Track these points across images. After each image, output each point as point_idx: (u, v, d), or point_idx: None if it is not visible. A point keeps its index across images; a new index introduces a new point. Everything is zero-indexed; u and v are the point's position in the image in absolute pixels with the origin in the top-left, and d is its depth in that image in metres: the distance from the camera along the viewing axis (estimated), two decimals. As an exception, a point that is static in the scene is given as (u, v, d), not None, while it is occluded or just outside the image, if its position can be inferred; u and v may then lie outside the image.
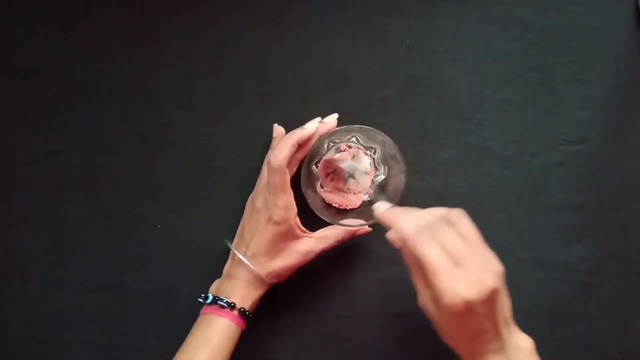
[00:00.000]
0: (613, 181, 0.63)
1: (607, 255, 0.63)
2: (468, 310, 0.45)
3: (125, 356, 0.62)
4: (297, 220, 0.56)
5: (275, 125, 0.61)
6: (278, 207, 0.55)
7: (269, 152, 0.59)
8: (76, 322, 0.62)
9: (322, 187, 0.61)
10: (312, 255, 0.57)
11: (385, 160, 0.60)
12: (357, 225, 0.58)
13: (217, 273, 0.60)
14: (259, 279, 0.57)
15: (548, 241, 0.63)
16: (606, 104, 0.63)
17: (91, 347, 0.62)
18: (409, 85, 0.63)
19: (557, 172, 0.63)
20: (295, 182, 0.57)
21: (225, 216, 0.62)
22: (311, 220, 0.58)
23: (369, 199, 0.61)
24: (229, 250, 0.59)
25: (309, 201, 0.57)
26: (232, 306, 0.55)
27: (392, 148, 0.58)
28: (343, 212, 0.60)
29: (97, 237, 0.62)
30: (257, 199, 0.57)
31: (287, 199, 0.55)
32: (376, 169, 0.61)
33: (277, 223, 0.55)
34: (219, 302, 0.56)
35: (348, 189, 0.61)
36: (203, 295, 0.57)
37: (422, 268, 0.46)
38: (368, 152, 0.60)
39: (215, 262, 0.60)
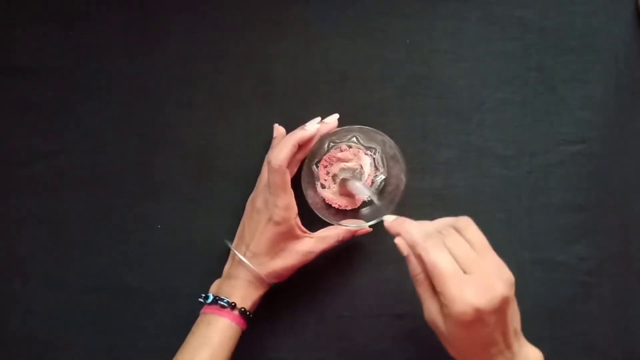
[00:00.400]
0: (613, 181, 0.63)
1: (607, 255, 0.63)
2: (478, 319, 0.44)
3: (125, 356, 0.62)
4: (298, 220, 0.56)
5: (276, 125, 0.61)
6: (278, 207, 0.54)
7: (269, 152, 0.59)
8: (76, 322, 0.62)
9: (322, 187, 0.61)
10: (312, 255, 0.57)
11: (385, 160, 0.60)
12: (357, 225, 0.58)
13: (217, 273, 0.60)
14: (259, 279, 0.57)
15: (548, 241, 0.63)
16: (606, 104, 0.63)
17: (91, 347, 0.62)
18: (409, 85, 0.63)
19: (557, 172, 0.63)
20: (296, 182, 0.57)
21: (225, 216, 0.62)
22: (311, 220, 0.58)
23: (369, 199, 0.61)
24: (229, 250, 0.59)
25: (309, 201, 0.57)
26: (232, 306, 0.55)
27: (392, 148, 0.58)
28: (343, 212, 0.60)
29: (97, 237, 0.62)
30: (258, 199, 0.57)
31: (288, 199, 0.55)
32: (376, 169, 0.61)
33: (278, 223, 0.55)
34: (219, 302, 0.56)
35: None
36: (203, 295, 0.57)
37: (429, 276, 0.45)
38: (368, 152, 0.61)
39: (215, 262, 0.60)
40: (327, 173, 0.61)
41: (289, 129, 0.59)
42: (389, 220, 0.51)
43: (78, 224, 0.62)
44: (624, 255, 0.63)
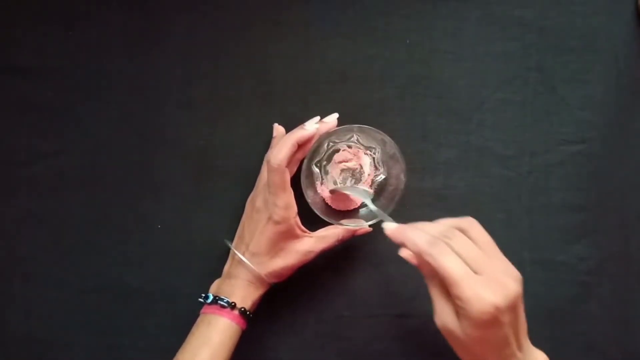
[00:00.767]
0: (613, 181, 0.63)
1: (607, 255, 0.63)
2: (496, 318, 0.43)
3: (125, 356, 0.62)
4: (297, 219, 0.56)
5: (276, 125, 0.61)
6: (278, 207, 0.54)
7: (269, 151, 0.59)
8: (76, 322, 0.62)
9: (322, 185, 0.61)
10: (312, 255, 0.57)
11: (385, 160, 0.60)
12: (357, 225, 0.58)
13: (217, 273, 0.60)
14: (259, 279, 0.57)
15: (548, 241, 0.63)
16: (606, 104, 0.63)
17: (91, 347, 0.62)
18: (409, 85, 0.63)
19: (557, 172, 0.63)
20: (295, 182, 0.57)
21: (225, 216, 0.62)
22: (311, 220, 0.58)
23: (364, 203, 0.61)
24: (229, 250, 0.59)
25: (309, 201, 0.57)
26: (232, 306, 0.55)
27: (392, 148, 0.58)
28: (343, 212, 0.60)
29: (97, 237, 0.62)
30: (257, 199, 0.57)
31: (287, 199, 0.55)
32: (376, 168, 0.61)
33: (277, 222, 0.55)
34: (219, 301, 0.56)
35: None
36: (203, 295, 0.57)
37: (441, 281, 0.45)
38: (368, 151, 0.61)
39: (215, 262, 0.60)
40: (327, 173, 0.61)
41: (288, 129, 0.59)
42: (390, 228, 0.50)
43: (78, 224, 0.62)
44: (624, 255, 0.63)
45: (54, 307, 0.62)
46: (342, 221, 0.58)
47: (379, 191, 0.61)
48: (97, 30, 0.62)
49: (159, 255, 0.62)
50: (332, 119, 0.58)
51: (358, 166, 0.60)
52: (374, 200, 0.61)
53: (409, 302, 0.62)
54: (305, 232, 0.57)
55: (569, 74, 0.63)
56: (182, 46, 0.62)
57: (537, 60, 0.63)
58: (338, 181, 0.61)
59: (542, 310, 0.62)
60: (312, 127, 0.56)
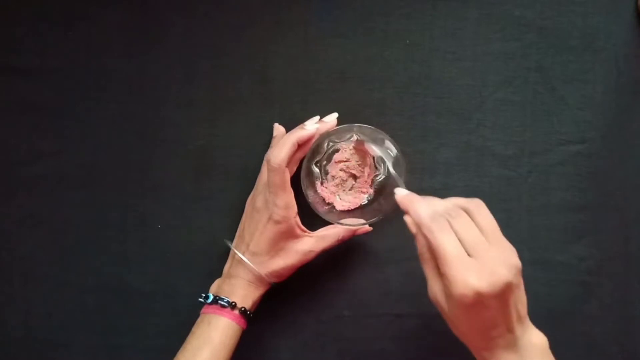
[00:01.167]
0: (613, 181, 0.63)
1: (607, 255, 0.63)
2: (478, 302, 0.44)
3: (125, 356, 0.62)
4: (298, 219, 0.56)
5: (276, 125, 0.61)
6: (278, 207, 0.54)
7: (269, 151, 0.59)
8: (76, 322, 0.62)
9: (322, 185, 0.61)
10: (312, 254, 0.57)
11: (385, 159, 0.60)
12: (357, 224, 0.58)
13: (217, 273, 0.60)
14: (259, 279, 0.57)
15: (548, 241, 0.63)
16: (606, 104, 0.63)
17: (91, 347, 0.62)
18: (409, 85, 0.63)
19: (557, 172, 0.63)
20: (296, 181, 0.57)
21: (225, 216, 0.62)
22: (311, 219, 0.58)
23: (369, 198, 0.61)
24: (229, 249, 0.59)
25: (309, 200, 0.57)
26: (233, 305, 0.55)
27: (392, 147, 0.58)
28: (343, 212, 0.60)
29: (97, 237, 0.62)
30: (257, 199, 0.57)
31: (287, 198, 0.55)
32: (376, 168, 0.61)
33: (278, 222, 0.55)
34: (219, 301, 0.56)
35: (350, 188, 0.61)
36: (204, 294, 0.57)
37: (435, 256, 0.46)
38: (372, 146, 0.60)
39: (215, 262, 0.60)
40: (327, 172, 0.61)
41: (288, 129, 0.59)
42: (400, 194, 0.51)
43: (78, 224, 0.62)
44: (624, 255, 0.63)
45: (54, 307, 0.62)
46: (342, 221, 0.58)
47: (379, 191, 0.61)
48: (96, 30, 0.62)
49: (159, 255, 0.62)
50: (332, 118, 0.58)
51: (358, 165, 0.60)
52: (374, 200, 0.61)
53: (409, 302, 0.62)
54: (305, 231, 0.57)
55: (569, 74, 0.63)
56: (182, 46, 0.62)
57: (537, 60, 0.63)
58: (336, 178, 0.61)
59: (542, 310, 0.62)
60: (312, 126, 0.56)
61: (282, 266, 0.57)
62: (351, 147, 0.60)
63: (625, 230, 0.63)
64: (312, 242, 0.57)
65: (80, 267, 0.62)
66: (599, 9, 0.63)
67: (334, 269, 0.62)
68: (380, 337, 0.63)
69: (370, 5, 0.62)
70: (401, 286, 0.62)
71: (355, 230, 0.59)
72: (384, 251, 0.62)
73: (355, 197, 0.61)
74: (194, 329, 0.56)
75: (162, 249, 0.62)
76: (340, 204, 0.61)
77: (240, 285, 0.57)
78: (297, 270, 0.58)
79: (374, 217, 0.57)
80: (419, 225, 0.47)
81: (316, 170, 0.60)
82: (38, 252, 0.62)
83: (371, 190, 0.61)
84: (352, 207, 0.61)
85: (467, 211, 0.48)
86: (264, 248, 0.56)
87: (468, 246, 0.45)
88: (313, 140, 0.57)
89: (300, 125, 0.57)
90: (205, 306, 0.57)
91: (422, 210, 0.47)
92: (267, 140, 0.61)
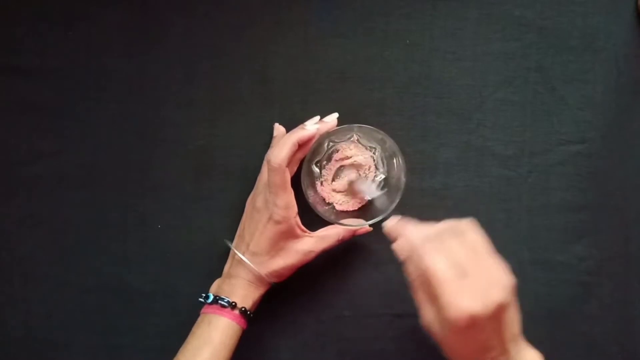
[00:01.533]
0: (613, 181, 0.63)
1: (607, 255, 0.63)
2: (473, 324, 0.44)
3: (125, 356, 0.62)
4: (298, 219, 0.56)
5: (276, 125, 0.61)
6: (278, 207, 0.54)
7: (269, 151, 0.58)
8: (76, 322, 0.62)
9: (322, 184, 0.61)
10: (312, 254, 0.57)
11: (385, 159, 0.60)
12: (357, 224, 0.58)
13: (217, 273, 0.60)
14: (259, 278, 0.57)
15: (548, 241, 0.63)
16: (606, 104, 0.63)
17: (91, 347, 0.62)
18: (409, 85, 0.63)
19: (557, 172, 0.63)
20: (296, 182, 0.57)
21: (225, 216, 0.62)
22: (311, 219, 0.58)
23: (369, 198, 0.61)
24: (229, 249, 0.59)
25: (309, 200, 0.57)
26: (233, 305, 0.55)
27: (392, 147, 0.58)
28: (343, 212, 0.60)
29: (97, 237, 0.62)
30: (258, 199, 0.57)
31: (288, 198, 0.55)
32: (376, 168, 0.61)
33: (278, 222, 0.55)
34: (220, 301, 0.56)
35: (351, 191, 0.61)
36: (204, 294, 0.57)
37: (426, 281, 0.45)
38: (369, 150, 0.60)
39: (215, 262, 0.60)
40: (329, 171, 0.61)
41: (288, 129, 0.59)
42: (390, 224, 0.51)
43: (78, 224, 0.62)
44: (624, 255, 0.63)
45: (54, 307, 0.62)
46: (342, 221, 0.58)
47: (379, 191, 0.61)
48: (96, 30, 0.62)
49: (159, 255, 0.62)
50: (332, 118, 0.58)
51: (368, 162, 0.60)
52: (374, 201, 0.61)
53: (409, 302, 0.62)
54: (305, 231, 0.57)
55: (569, 74, 0.63)
56: (182, 46, 0.62)
57: (537, 60, 0.63)
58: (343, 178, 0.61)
59: (542, 310, 0.62)
60: (313, 127, 0.56)
61: (282, 266, 0.57)
62: (351, 147, 0.60)
63: (625, 230, 0.63)
64: (312, 242, 0.57)
65: (80, 267, 0.62)
66: (599, 9, 0.63)
67: (334, 269, 0.62)
68: (380, 337, 0.63)
69: (370, 5, 0.62)
70: (401, 286, 0.62)
71: (355, 230, 0.59)
72: (384, 251, 0.62)
73: (355, 197, 0.61)
74: (194, 329, 0.56)
75: (162, 249, 0.62)
76: (340, 204, 0.61)
77: (240, 285, 0.57)
78: (297, 270, 0.58)
79: (374, 217, 0.57)
80: (410, 250, 0.47)
81: (316, 170, 0.60)
82: (38, 252, 0.62)
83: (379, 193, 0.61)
84: (352, 208, 0.61)
85: (457, 233, 0.47)
86: (264, 248, 0.56)
87: (460, 267, 0.45)
88: (313, 141, 0.57)
89: (301, 126, 0.57)
90: (206, 306, 0.57)
91: (413, 234, 0.47)
92: (267, 140, 0.61)
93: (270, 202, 0.55)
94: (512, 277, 0.46)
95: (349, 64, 0.62)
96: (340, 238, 0.58)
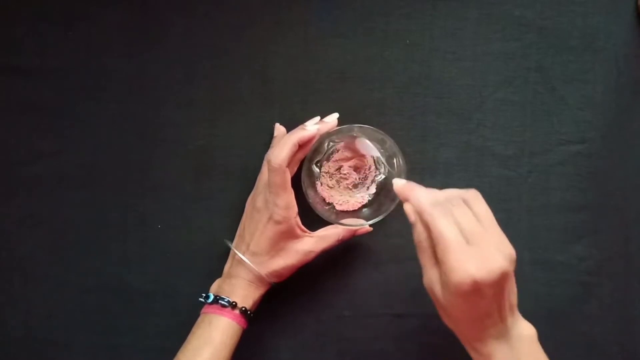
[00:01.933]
0: (613, 181, 0.63)
1: (607, 255, 0.63)
2: (475, 290, 0.44)
3: (125, 356, 0.62)
4: (298, 219, 0.56)
5: (277, 125, 0.61)
6: (278, 207, 0.54)
7: (269, 151, 0.59)
8: (76, 322, 0.62)
9: (322, 184, 0.61)
10: (312, 254, 0.57)
11: (385, 159, 0.60)
12: (357, 224, 0.58)
13: (217, 273, 0.60)
14: (259, 278, 0.57)
15: (548, 241, 0.63)
16: (606, 104, 0.63)
17: (91, 347, 0.62)
18: (409, 85, 0.63)
19: (557, 172, 0.63)
20: (296, 182, 0.57)
21: (225, 216, 0.62)
22: (311, 219, 0.58)
23: (369, 198, 0.61)
24: (229, 249, 0.59)
25: (309, 201, 0.57)
26: (233, 305, 0.55)
27: (392, 147, 0.58)
28: (343, 212, 0.60)
29: (97, 237, 0.62)
30: (258, 199, 0.57)
31: (288, 198, 0.55)
32: (376, 168, 0.61)
33: (278, 222, 0.55)
34: (220, 301, 0.56)
35: (352, 187, 0.61)
36: (204, 294, 0.57)
37: (433, 244, 0.46)
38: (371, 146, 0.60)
39: (215, 262, 0.60)
40: (327, 172, 0.61)
41: (288, 129, 0.59)
42: (399, 184, 0.51)
43: (78, 224, 0.62)
44: (624, 255, 0.63)
45: (54, 307, 0.62)
46: (342, 221, 0.58)
47: (379, 191, 0.61)
48: (96, 30, 0.62)
49: (159, 255, 0.62)
50: (333, 118, 0.58)
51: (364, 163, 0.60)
52: (374, 201, 0.61)
53: (409, 302, 0.62)
54: (305, 231, 0.57)
55: (569, 74, 0.63)
56: (182, 46, 0.62)
57: (537, 60, 0.63)
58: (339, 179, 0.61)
59: (542, 310, 0.62)
60: (313, 127, 0.56)
61: (282, 266, 0.57)
62: (351, 147, 0.60)
63: (625, 230, 0.63)
64: (312, 242, 0.57)
65: (80, 267, 0.62)
66: (599, 9, 0.63)
67: (334, 269, 0.62)
68: (380, 337, 0.63)
69: (370, 5, 0.62)
70: (401, 286, 0.62)
71: (355, 230, 0.59)
72: (384, 251, 0.62)
73: (355, 197, 0.61)
74: (194, 329, 0.56)
75: (162, 249, 0.62)
76: (340, 204, 0.61)
77: (240, 285, 0.57)
78: (297, 270, 0.58)
79: (374, 217, 0.57)
80: (420, 212, 0.47)
81: (317, 170, 0.60)
82: (38, 252, 0.62)
83: (371, 190, 0.61)
84: (352, 208, 0.61)
85: (464, 201, 0.48)
86: (264, 248, 0.56)
87: (467, 234, 0.46)
88: (314, 141, 0.57)
89: (301, 126, 0.57)
90: (206, 306, 0.57)
91: (423, 196, 0.48)
92: (267, 140, 0.61)
93: (270, 202, 0.55)
94: (513, 249, 0.47)
95: (349, 64, 0.62)
96: (340, 238, 0.58)
